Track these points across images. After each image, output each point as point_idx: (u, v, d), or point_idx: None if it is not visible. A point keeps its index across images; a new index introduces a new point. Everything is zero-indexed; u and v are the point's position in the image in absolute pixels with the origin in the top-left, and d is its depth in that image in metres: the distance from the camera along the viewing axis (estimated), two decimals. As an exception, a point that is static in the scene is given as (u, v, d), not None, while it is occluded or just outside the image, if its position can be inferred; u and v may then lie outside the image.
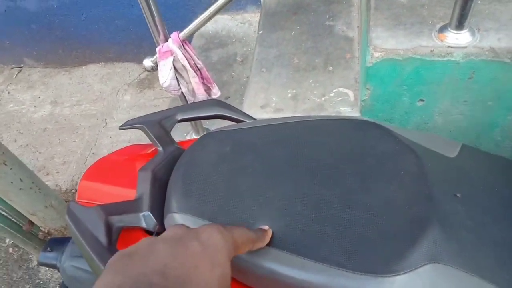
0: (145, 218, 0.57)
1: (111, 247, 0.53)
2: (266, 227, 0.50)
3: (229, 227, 0.42)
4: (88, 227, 0.54)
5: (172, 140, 0.70)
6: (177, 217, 0.55)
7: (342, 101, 1.23)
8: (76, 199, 0.67)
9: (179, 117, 0.74)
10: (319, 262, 0.48)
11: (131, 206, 0.58)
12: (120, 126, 0.73)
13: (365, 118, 0.67)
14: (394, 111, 1.12)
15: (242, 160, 0.60)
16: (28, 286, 1.68)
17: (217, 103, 0.77)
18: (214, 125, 1.58)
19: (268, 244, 0.50)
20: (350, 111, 1.20)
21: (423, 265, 0.47)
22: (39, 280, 1.69)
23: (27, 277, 1.70)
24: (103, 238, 0.53)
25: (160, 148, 0.68)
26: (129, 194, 0.66)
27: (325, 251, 0.49)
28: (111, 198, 0.67)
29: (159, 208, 0.59)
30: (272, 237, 0.50)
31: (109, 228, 0.54)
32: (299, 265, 0.48)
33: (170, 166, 0.64)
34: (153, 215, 0.58)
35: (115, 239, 0.55)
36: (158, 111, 0.75)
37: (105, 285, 0.31)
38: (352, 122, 0.66)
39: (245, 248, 0.43)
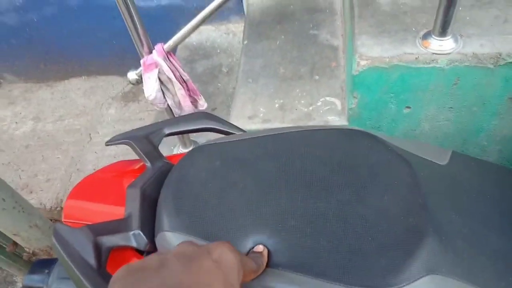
0: (136, 237, 0.55)
1: (101, 269, 0.51)
2: (261, 248, 0.49)
3: (239, 254, 0.41)
4: (76, 249, 0.52)
5: (160, 155, 0.69)
6: (169, 236, 0.53)
7: (330, 110, 1.23)
8: (63, 219, 0.65)
9: (167, 131, 0.73)
10: (315, 277, 0.47)
11: (120, 225, 0.56)
12: (106, 142, 0.71)
13: (356, 128, 0.67)
14: (382, 118, 1.13)
15: (233, 175, 0.59)
16: (12, 309, 1.62)
17: (205, 115, 0.76)
18: (202, 137, 1.56)
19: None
20: (337, 120, 1.20)
21: (421, 277, 0.47)
22: (24, 302, 1.63)
23: (11, 299, 1.65)
24: (92, 260, 0.51)
25: (149, 164, 0.66)
26: (118, 212, 0.64)
27: (321, 267, 0.48)
28: (99, 216, 0.64)
29: (150, 226, 0.57)
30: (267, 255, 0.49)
31: (98, 249, 0.52)
32: (295, 282, 0.47)
33: (159, 183, 0.63)
34: (143, 234, 0.56)
35: (104, 260, 0.53)
36: (145, 126, 0.73)
37: None
38: (343, 132, 0.65)
39: (249, 277, 0.42)
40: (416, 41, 1.01)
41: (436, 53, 0.97)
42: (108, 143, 0.71)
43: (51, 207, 1.83)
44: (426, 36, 1.00)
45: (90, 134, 2.14)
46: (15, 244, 1.38)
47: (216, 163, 0.61)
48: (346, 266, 0.47)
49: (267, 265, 0.48)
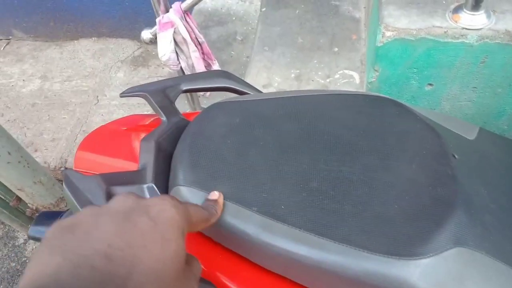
0: (149, 190, 0.53)
1: (112, 220, 0.49)
2: (216, 194, 0.47)
3: (184, 202, 0.39)
4: (88, 197, 0.50)
5: (176, 111, 0.66)
6: (183, 190, 0.51)
7: (347, 83, 1.19)
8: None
9: (184, 87, 0.70)
10: (338, 242, 0.45)
11: (134, 177, 0.54)
12: (121, 94, 0.68)
13: (382, 95, 0.63)
14: (401, 94, 1.09)
15: (253, 133, 0.56)
16: (14, 264, 1.63)
17: (224, 74, 0.73)
18: (212, 105, 1.53)
19: (283, 221, 0.46)
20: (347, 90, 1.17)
21: (448, 249, 0.44)
22: (25, 259, 1.64)
23: (12, 254, 1.65)
24: (104, 210, 0.49)
25: (164, 118, 0.63)
26: (129, 166, 0.62)
27: (344, 231, 0.45)
28: (110, 170, 0.62)
29: (163, 181, 0.55)
30: (286, 214, 0.47)
31: (110, 199, 0.50)
32: (316, 244, 0.45)
33: (175, 138, 0.60)
34: (156, 188, 0.54)
35: (116, 211, 0.50)
36: (162, 80, 0.70)
37: (41, 266, 0.27)
38: (369, 97, 0.62)
39: (199, 226, 0.40)
40: (446, 14, 0.96)
41: (466, 28, 0.92)
42: (123, 94, 0.68)
43: (55, 166, 1.82)
44: (457, 9, 0.95)
45: (97, 96, 2.11)
46: (18, 199, 1.38)
47: (236, 120, 0.58)
48: (371, 232, 0.45)
49: (286, 221, 0.46)
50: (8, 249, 1.67)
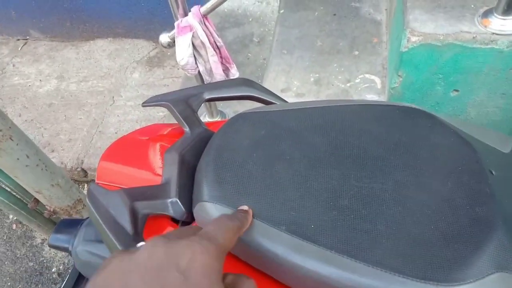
0: (173, 206, 0.52)
1: (137, 237, 0.48)
2: (245, 208, 0.46)
3: (214, 229, 0.36)
4: (112, 213, 0.49)
5: (199, 121, 0.64)
6: (209, 207, 0.49)
7: (368, 88, 1.17)
8: (96, 181, 0.61)
9: (207, 96, 0.68)
10: (371, 265, 0.43)
11: (157, 191, 0.53)
12: (143, 103, 0.67)
13: (413, 105, 0.61)
14: (425, 101, 1.06)
15: (280, 146, 0.54)
16: (32, 264, 1.64)
17: (247, 82, 0.71)
18: (229, 108, 1.52)
19: (314, 241, 0.45)
20: (376, 100, 1.14)
21: (489, 274, 0.42)
22: (43, 259, 1.65)
23: (30, 254, 1.67)
24: (128, 226, 0.48)
25: (187, 129, 0.62)
26: (152, 178, 0.61)
27: (378, 253, 0.43)
28: (132, 181, 0.61)
29: (187, 195, 0.54)
30: (316, 233, 0.45)
31: (134, 215, 0.49)
32: (349, 267, 0.43)
33: (198, 149, 0.58)
34: (180, 203, 0.52)
35: (141, 227, 0.49)
36: (184, 88, 0.69)
37: None
38: (399, 108, 0.60)
39: (234, 241, 0.39)
40: (475, 19, 0.93)
41: (496, 33, 0.89)
42: (145, 104, 0.66)
43: (72, 167, 1.83)
44: (486, 14, 0.92)
45: (113, 97, 2.11)
46: (36, 201, 1.38)
47: (262, 132, 0.56)
48: (407, 255, 0.43)
49: (316, 242, 0.44)
50: (26, 249, 1.68)
